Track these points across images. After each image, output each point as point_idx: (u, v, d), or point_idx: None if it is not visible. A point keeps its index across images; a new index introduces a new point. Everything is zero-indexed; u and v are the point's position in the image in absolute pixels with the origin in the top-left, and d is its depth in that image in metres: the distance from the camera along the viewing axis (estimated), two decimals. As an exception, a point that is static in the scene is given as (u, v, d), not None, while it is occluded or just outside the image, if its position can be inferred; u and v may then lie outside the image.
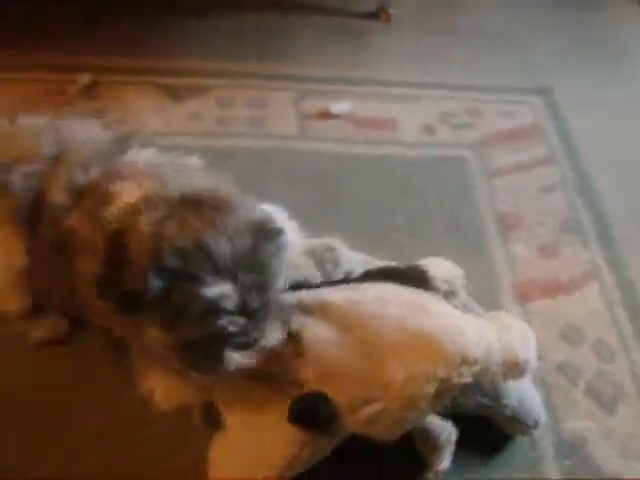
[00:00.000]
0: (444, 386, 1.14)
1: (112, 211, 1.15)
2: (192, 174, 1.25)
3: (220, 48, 2.09)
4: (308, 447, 1.18)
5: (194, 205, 1.10)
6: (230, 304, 1.06)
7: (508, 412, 1.29)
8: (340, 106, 1.94)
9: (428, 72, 2.12)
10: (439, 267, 1.36)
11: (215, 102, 1.94)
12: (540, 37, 2.30)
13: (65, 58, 1.89)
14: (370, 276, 1.31)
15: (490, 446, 1.34)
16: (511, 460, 1.32)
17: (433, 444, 1.25)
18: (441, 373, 1.13)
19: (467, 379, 1.15)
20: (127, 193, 1.17)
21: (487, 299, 1.46)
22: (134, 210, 1.13)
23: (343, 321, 1.18)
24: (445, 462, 1.26)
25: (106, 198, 1.18)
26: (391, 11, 2.29)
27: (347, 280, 1.31)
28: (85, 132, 1.39)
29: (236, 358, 1.12)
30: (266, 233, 1.10)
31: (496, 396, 1.28)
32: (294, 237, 1.33)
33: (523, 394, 1.30)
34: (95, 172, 1.25)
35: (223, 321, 1.07)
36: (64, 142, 1.35)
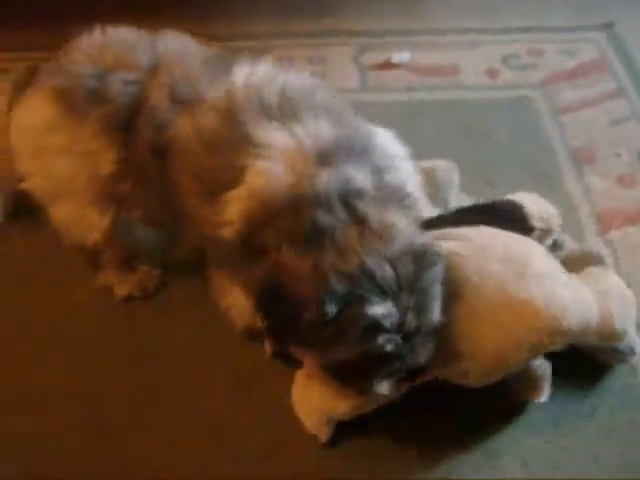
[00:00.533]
0: (535, 350, 1.16)
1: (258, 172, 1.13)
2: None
3: (276, 9, 2.10)
4: None
5: (355, 224, 1.08)
6: (390, 323, 1.05)
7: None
8: (400, 56, 1.94)
9: (485, 18, 2.10)
10: (534, 204, 1.36)
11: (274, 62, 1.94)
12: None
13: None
14: (463, 213, 1.30)
15: (589, 376, 1.30)
16: (612, 387, 1.29)
17: (528, 382, 1.23)
18: (534, 339, 1.14)
19: (559, 347, 1.16)
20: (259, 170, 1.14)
21: (567, 232, 1.44)
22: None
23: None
24: (544, 397, 1.23)
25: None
26: (441, -39, 2.26)
27: (444, 219, 1.29)
28: (180, 45, 1.37)
29: (385, 386, 1.12)
30: (427, 259, 1.08)
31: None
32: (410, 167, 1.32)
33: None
34: (201, 87, 1.24)
35: (382, 339, 1.05)
36: (159, 53, 1.33)
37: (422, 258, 1.08)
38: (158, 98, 1.27)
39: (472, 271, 1.18)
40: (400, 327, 1.06)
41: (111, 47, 1.36)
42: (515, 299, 1.15)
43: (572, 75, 1.91)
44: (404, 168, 1.27)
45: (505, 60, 1.96)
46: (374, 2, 2.15)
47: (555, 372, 1.24)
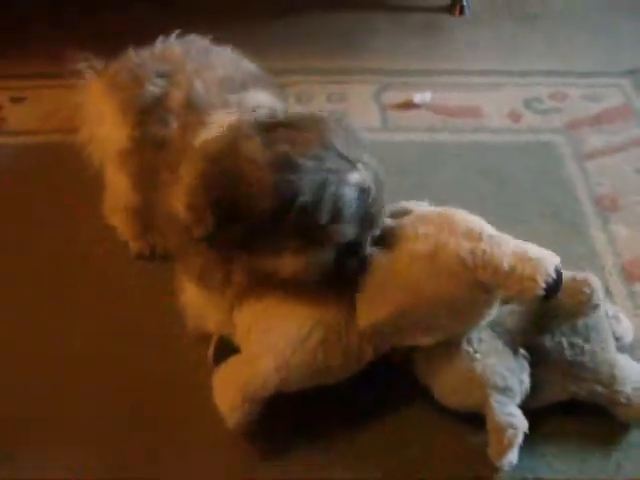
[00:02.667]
0: (442, 251, 1.14)
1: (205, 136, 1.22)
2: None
3: (298, 45, 2.10)
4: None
5: (293, 126, 1.17)
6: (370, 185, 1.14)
7: (623, 399, 1.23)
8: (422, 96, 1.92)
9: (507, 60, 2.09)
10: None
11: (295, 98, 1.94)
12: (619, 20, 2.23)
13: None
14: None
15: (611, 433, 1.26)
16: (636, 443, 1.25)
17: (491, 433, 1.17)
18: (442, 237, 1.15)
19: (465, 253, 1.13)
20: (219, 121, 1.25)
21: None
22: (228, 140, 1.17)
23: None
24: (509, 458, 1.16)
25: (200, 125, 1.27)
26: (465, 3, 2.25)
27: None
28: (219, 56, 1.50)
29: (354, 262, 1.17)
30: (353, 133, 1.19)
31: (610, 383, 1.23)
32: None
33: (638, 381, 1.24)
34: (213, 97, 1.35)
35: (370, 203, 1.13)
36: (200, 57, 1.47)
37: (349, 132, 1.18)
38: (177, 99, 1.38)
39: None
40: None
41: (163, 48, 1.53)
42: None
43: (596, 120, 1.88)
44: None
45: (528, 103, 1.94)
46: (396, 41, 2.14)
47: (577, 431, 1.22)
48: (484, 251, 1.12)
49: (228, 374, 1.21)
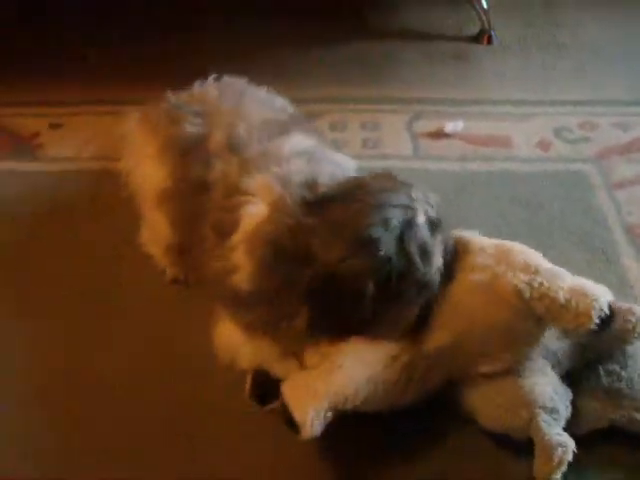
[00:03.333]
0: (499, 282, 1.17)
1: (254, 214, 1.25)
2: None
3: (329, 75, 2.14)
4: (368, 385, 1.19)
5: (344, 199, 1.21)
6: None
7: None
8: (454, 125, 1.95)
9: (536, 89, 2.11)
10: None
11: (329, 126, 1.98)
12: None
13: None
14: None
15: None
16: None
17: (538, 450, 1.18)
18: (498, 269, 1.18)
19: (522, 285, 1.16)
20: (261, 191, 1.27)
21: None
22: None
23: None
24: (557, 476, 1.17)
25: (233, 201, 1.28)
26: (493, 33, 2.29)
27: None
28: (255, 97, 1.54)
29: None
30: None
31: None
32: None
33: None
34: (254, 141, 1.37)
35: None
36: (236, 99, 1.50)
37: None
38: (218, 141, 1.40)
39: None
40: None
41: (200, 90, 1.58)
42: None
43: (626, 149, 1.90)
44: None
45: (558, 132, 1.96)
46: (426, 70, 2.18)
47: (622, 460, 1.22)
48: (541, 283, 1.15)
49: (308, 384, 1.20)
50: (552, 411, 1.19)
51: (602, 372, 1.24)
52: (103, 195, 1.78)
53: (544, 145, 1.92)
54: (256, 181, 1.29)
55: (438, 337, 1.21)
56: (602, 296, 1.15)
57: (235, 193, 1.29)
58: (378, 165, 1.83)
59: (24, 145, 2.00)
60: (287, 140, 1.38)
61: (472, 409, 1.26)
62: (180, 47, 2.25)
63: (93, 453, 1.30)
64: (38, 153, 1.97)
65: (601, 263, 1.61)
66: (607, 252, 1.63)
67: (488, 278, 1.19)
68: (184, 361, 1.43)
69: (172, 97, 1.58)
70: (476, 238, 1.32)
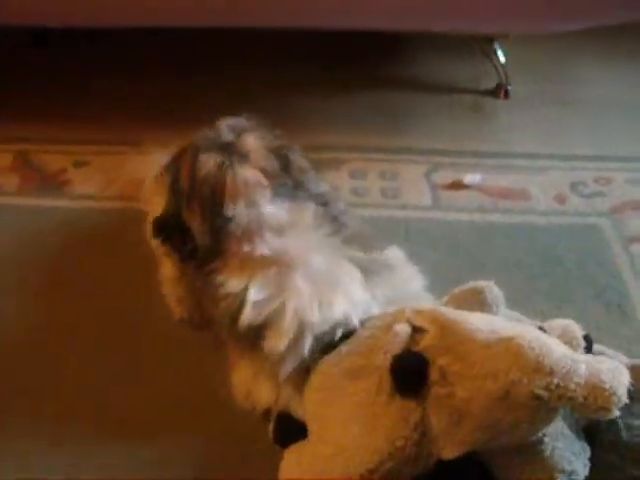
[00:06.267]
0: (515, 390, 1.12)
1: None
2: None
3: (350, 124, 2.18)
4: (392, 461, 1.19)
5: None
6: None
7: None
8: (472, 177, 1.99)
9: (552, 143, 2.15)
10: None
11: (348, 174, 2.02)
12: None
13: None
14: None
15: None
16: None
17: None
18: (513, 376, 1.12)
19: (540, 391, 1.11)
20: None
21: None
22: None
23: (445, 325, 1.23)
24: None
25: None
26: (509, 88, 2.34)
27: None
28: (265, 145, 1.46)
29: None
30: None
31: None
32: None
33: None
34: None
35: None
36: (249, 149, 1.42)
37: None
38: (234, 192, 1.35)
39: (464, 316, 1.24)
40: None
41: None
42: (498, 337, 1.18)
43: (640, 205, 1.95)
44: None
45: (573, 187, 2.00)
46: (444, 122, 2.22)
47: None
48: (557, 385, 1.11)
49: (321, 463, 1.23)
50: (571, 474, 1.19)
51: (621, 426, 1.25)
52: (125, 234, 1.80)
53: (560, 198, 1.96)
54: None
55: (457, 447, 1.18)
56: (620, 384, 1.12)
57: None
58: (397, 215, 1.89)
59: (50, 182, 2.04)
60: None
61: (491, 464, 1.27)
62: (201, 90, 2.30)
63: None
64: (64, 190, 2.02)
65: (617, 317, 1.63)
66: (622, 306, 1.66)
67: (504, 387, 1.13)
68: (213, 396, 1.44)
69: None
70: (466, 320, 1.25)
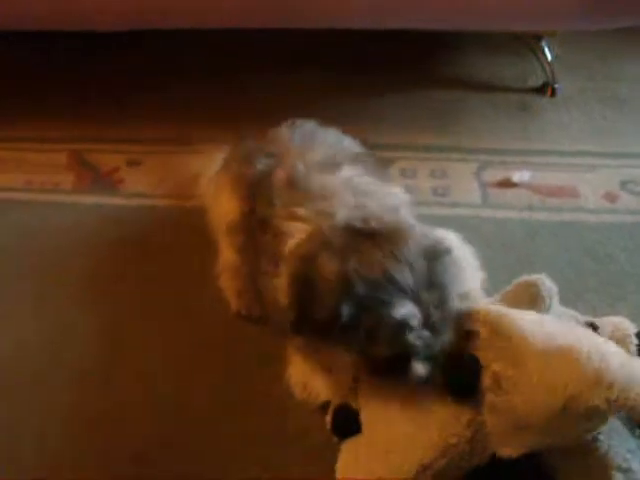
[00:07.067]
0: (574, 404, 1.13)
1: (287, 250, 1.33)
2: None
3: (400, 123, 2.20)
4: (445, 457, 1.21)
5: (371, 238, 1.24)
6: (415, 321, 1.18)
7: None
8: (521, 175, 1.99)
9: (600, 141, 2.15)
10: None
11: (400, 172, 2.05)
12: None
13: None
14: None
15: None
16: None
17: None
18: (572, 390, 1.13)
19: (600, 403, 1.12)
20: (298, 231, 1.35)
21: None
22: (311, 249, 1.28)
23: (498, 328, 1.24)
24: None
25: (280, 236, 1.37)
26: (556, 86, 2.34)
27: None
28: (322, 137, 1.61)
29: (421, 369, 1.21)
30: (437, 253, 1.23)
31: None
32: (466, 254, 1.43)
33: None
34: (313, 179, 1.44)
35: (411, 336, 1.18)
36: (305, 139, 1.58)
37: (432, 252, 1.23)
38: (279, 178, 1.47)
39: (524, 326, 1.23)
40: (425, 323, 1.18)
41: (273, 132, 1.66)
42: (559, 348, 1.18)
43: (691, 203, 1.94)
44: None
45: (623, 185, 2.00)
46: (492, 120, 2.23)
47: None
48: (618, 398, 1.12)
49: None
50: (627, 471, 1.20)
51: None
52: (178, 232, 1.88)
53: (611, 197, 1.96)
54: (298, 220, 1.37)
55: (516, 449, 1.21)
56: None
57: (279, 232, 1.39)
58: (448, 213, 1.90)
59: (104, 180, 2.10)
60: (337, 175, 1.45)
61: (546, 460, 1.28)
62: (251, 94, 2.33)
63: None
64: (118, 188, 2.07)
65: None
66: (676, 305, 1.66)
67: (563, 400, 1.14)
68: (263, 395, 1.49)
69: (248, 138, 1.68)
70: (520, 322, 1.25)
